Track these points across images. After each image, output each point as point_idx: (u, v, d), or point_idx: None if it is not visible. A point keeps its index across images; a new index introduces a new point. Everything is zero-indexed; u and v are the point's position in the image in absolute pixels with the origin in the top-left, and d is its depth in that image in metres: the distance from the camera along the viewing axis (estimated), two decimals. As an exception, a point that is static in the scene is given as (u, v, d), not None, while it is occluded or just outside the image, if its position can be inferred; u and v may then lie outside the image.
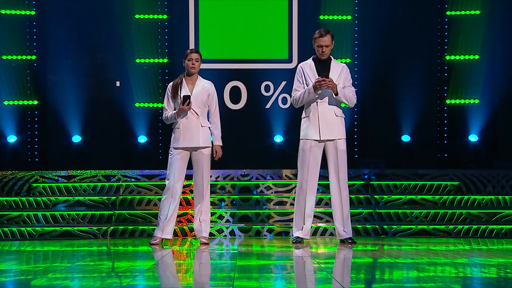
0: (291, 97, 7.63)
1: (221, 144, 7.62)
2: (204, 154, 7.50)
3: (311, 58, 7.53)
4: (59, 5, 10.31)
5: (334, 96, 7.26)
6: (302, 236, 7.44)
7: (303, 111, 7.51)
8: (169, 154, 7.53)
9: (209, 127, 7.59)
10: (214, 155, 7.63)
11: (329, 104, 7.35)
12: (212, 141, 7.60)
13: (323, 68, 7.34)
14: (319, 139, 7.33)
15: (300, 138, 7.50)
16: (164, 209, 7.46)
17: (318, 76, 7.24)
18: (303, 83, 7.46)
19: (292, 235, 7.69)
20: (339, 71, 7.41)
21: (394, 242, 7.84)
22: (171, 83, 7.58)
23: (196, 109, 7.45)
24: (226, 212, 8.78)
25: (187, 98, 7.31)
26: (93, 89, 10.29)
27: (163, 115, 7.61)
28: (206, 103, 7.57)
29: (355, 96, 7.46)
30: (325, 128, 7.33)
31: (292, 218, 8.70)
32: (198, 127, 7.47)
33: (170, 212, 7.45)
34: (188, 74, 7.54)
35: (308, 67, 7.47)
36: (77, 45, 10.27)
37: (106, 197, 9.00)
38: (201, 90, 7.53)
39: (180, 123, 7.45)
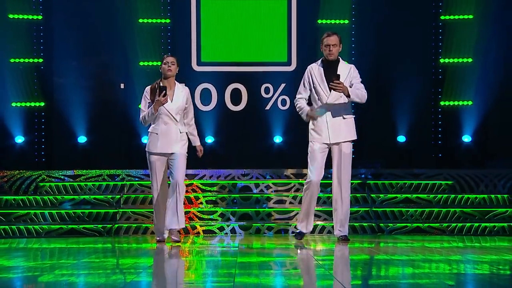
0: (294, 98, 7.48)
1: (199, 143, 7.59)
2: (181, 154, 7.28)
3: (320, 60, 7.36)
4: (65, 10, 10.32)
5: (347, 98, 7.12)
6: (306, 231, 7.41)
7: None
8: (148, 158, 7.37)
9: (186, 132, 7.41)
10: (199, 154, 7.59)
11: (337, 108, 7.21)
12: (191, 145, 7.50)
13: (331, 70, 7.15)
14: (328, 142, 7.22)
15: (309, 139, 7.35)
16: (158, 209, 7.38)
17: (328, 80, 7.12)
18: (308, 86, 7.32)
19: (295, 230, 7.70)
20: (347, 72, 7.22)
21: (390, 240, 7.84)
22: (148, 87, 7.34)
23: (176, 116, 7.26)
24: (227, 211, 8.78)
25: (163, 89, 7.08)
26: (98, 91, 10.29)
27: (140, 117, 7.36)
28: (184, 109, 7.37)
29: (365, 91, 7.24)
30: (332, 132, 7.20)
31: (291, 216, 8.74)
32: (177, 133, 7.29)
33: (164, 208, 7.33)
34: (165, 78, 7.32)
35: (316, 70, 7.29)
36: (83, 48, 10.28)
37: (110, 196, 9.00)
38: (180, 96, 7.33)
39: (159, 128, 7.25)
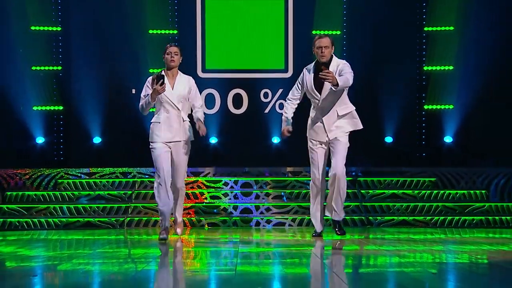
0: (288, 95, 7.01)
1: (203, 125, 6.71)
2: (183, 147, 6.68)
3: (314, 62, 6.85)
4: (81, 22, 10.33)
5: (335, 89, 6.44)
6: (320, 230, 7.02)
7: (310, 110, 6.90)
8: (151, 150, 6.66)
9: (189, 121, 6.74)
10: (201, 132, 6.66)
11: (331, 107, 6.71)
12: (196, 124, 6.71)
13: (321, 70, 6.50)
14: (323, 141, 6.79)
15: (307, 135, 6.94)
16: (163, 205, 6.66)
17: (317, 80, 6.60)
18: (301, 88, 6.85)
19: (314, 232, 7.07)
20: (336, 66, 6.63)
21: (378, 232, 7.85)
22: (150, 77, 6.64)
23: (177, 104, 6.60)
24: (229, 205, 8.78)
25: (161, 78, 6.38)
26: (111, 96, 10.28)
27: (139, 105, 6.66)
28: (187, 98, 6.72)
29: (350, 75, 6.54)
30: (329, 130, 6.72)
31: (288, 211, 8.73)
32: (180, 121, 6.64)
33: (171, 205, 6.74)
34: (168, 68, 6.67)
35: (308, 74, 6.80)
36: (97, 57, 10.29)
37: (123, 192, 9.02)
38: (182, 84, 6.67)
39: (161, 117, 6.59)
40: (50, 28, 10.35)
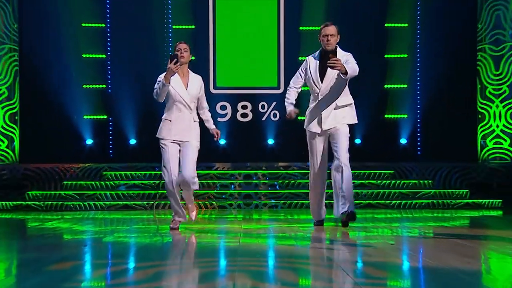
0: (289, 83, 5.70)
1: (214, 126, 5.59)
2: (192, 145, 5.36)
3: (318, 51, 5.47)
4: (122, 50, 10.32)
5: (344, 77, 5.13)
6: (322, 219, 5.78)
7: (310, 102, 5.58)
8: (161, 146, 5.43)
9: (198, 122, 5.48)
10: (216, 137, 5.57)
11: (330, 98, 5.40)
12: (207, 130, 5.58)
13: (326, 60, 5.12)
14: (319, 131, 5.48)
15: (305, 127, 5.64)
16: (175, 199, 5.45)
17: (322, 69, 5.32)
18: (303, 76, 5.51)
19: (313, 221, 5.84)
20: (341, 57, 5.26)
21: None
22: (163, 74, 5.25)
23: (190, 104, 5.32)
24: (234, 192, 8.80)
25: (174, 57, 5.12)
26: (144, 107, 10.26)
27: (154, 92, 5.32)
28: (197, 98, 5.44)
29: (356, 66, 5.26)
30: (326, 121, 5.42)
31: (280, 196, 8.72)
32: (191, 121, 5.35)
33: (180, 197, 5.54)
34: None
35: (312, 61, 5.44)
36: (133, 78, 10.27)
37: (152, 181, 9.00)
38: (195, 84, 5.38)
39: (172, 115, 5.32)
40: (97, 56, 10.36)
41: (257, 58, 10.53)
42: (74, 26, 10.23)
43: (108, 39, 10.47)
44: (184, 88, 5.32)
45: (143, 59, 10.15)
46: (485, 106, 10.08)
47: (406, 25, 10.40)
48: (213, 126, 5.56)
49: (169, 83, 5.17)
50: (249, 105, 10.48)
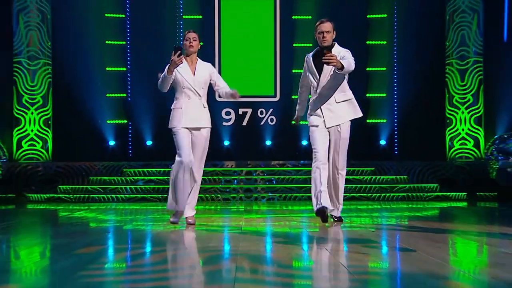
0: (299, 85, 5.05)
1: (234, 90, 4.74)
2: (203, 135, 4.74)
3: (316, 48, 4.85)
4: (140, 65, 10.35)
5: (339, 72, 4.49)
6: (326, 205, 4.74)
7: (311, 99, 4.90)
8: (173, 134, 4.73)
9: (207, 108, 4.77)
10: (237, 97, 4.72)
11: (329, 94, 4.74)
12: (231, 93, 4.69)
13: (323, 56, 4.41)
14: (320, 125, 4.79)
15: (307, 120, 4.90)
16: (182, 187, 4.71)
17: (318, 64, 4.71)
18: (305, 75, 4.89)
19: (315, 208, 4.80)
20: (338, 52, 4.65)
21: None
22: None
23: (199, 90, 4.66)
24: (237, 186, 8.80)
25: (179, 49, 4.47)
26: (160, 113, 10.30)
27: (158, 83, 4.69)
28: (207, 84, 4.76)
29: (353, 60, 4.61)
30: (327, 117, 4.76)
31: (276, 190, 8.73)
32: (201, 108, 4.68)
33: (189, 190, 4.77)
34: (187, 54, 4.71)
35: (310, 58, 4.85)
36: (152, 90, 10.28)
37: (166, 177, 9.00)
38: (203, 70, 4.72)
39: (182, 103, 4.66)
40: (119, 69, 10.39)
41: (256, 71, 10.56)
42: (99, 43, 10.27)
43: (128, 55, 10.49)
44: (191, 75, 4.67)
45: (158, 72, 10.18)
46: (452, 112, 10.09)
47: (384, 42, 10.43)
48: (233, 91, 4.71)
49: (172, 75, 4.57)
50: (249, 111, 10.50)
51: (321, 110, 4.75)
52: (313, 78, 4.78)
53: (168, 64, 4.53)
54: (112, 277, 2.84)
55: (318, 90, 4.75)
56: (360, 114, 4.86)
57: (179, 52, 4.47)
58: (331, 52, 4.44)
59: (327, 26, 4.67)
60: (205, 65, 4.78)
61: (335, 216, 4.97)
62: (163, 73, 4.61)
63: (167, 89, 4.69)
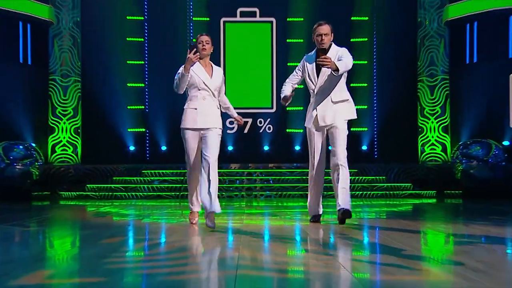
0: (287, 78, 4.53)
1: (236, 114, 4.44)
2: (215, 132, 4.17)
3: (314, 50, 4.34)
4: (156, 82, 10.37)
5: (335, 74, 4.01)
6: (318, 214, 4.56)
7: (310, 100, 4.37)
8: (184, 137, 4.24)
9: (221, 110, 4.32)
10: (240, 122, 4.47)
11: (325, 94, 4.24)
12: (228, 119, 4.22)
13: (320, 57, 3.99)
14: (320, 128, 4.33)
15: (305, 125, 4.43)
16: (194, 187, 4.38)
17: (316, 66, 4.24)
18: (300, 73, 4.39)
19: (310, 216, 4.60)
20: (336, 52, 4.22)
21: (324, 202, 7.82)
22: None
23: (214, 92, 4.15)
24: (239, 185, 8.79)
25: (194, 47, 3.93)
26: (174, 123, 10.29)
27: (174, 84, 4.14)
28: (220, 87, 4.25)
29: (351, 58, 4.15)
30: (322, 117, 4.26)
31: (273, 189, 8.72)
32: (215, 109, 4.18)
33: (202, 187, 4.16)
34: (200, 57, 4.09)
35: (309, 59, 4.35)
36: (165, 100, 10.29)
37: (179, 178, 9.00)
38: (218, 75, 4.19)
39: (197, 103, 4.11)
40: (138, 85, 10.40)
41: (256, 86, 10.57)
42: (121, 63, 10.34)
43: (146, 73, 10.52)
44: (208, 77, 4.12)
45: (173, 88, 10.19)
46: (423, 122, 10.12)
47: (365, 62, 10.47)
48: (236, 114, 4.41)
49: (189, 73, 4.02)
50: (250, 121, 10.51)
51: (316, 110, 4.25)
52: (312, 80, 4.27)
53: (184, 64, 3.99)
54: (132, 263, 2.85)
55: (315, 91, 4.25)
56: (355, 116, 4.34)
57: (195, 49, 3.92)
58: (325, 55, 3.97)
59: (325, 28, 4.18)
60: (219, 69, 4.26)
61: (344, 209, 4.20)
62: (179, 74, 4.04)
63: (184, 89, 4.10)
